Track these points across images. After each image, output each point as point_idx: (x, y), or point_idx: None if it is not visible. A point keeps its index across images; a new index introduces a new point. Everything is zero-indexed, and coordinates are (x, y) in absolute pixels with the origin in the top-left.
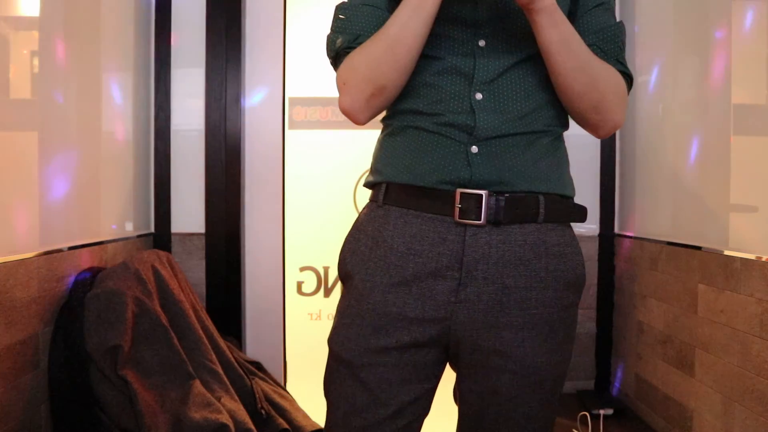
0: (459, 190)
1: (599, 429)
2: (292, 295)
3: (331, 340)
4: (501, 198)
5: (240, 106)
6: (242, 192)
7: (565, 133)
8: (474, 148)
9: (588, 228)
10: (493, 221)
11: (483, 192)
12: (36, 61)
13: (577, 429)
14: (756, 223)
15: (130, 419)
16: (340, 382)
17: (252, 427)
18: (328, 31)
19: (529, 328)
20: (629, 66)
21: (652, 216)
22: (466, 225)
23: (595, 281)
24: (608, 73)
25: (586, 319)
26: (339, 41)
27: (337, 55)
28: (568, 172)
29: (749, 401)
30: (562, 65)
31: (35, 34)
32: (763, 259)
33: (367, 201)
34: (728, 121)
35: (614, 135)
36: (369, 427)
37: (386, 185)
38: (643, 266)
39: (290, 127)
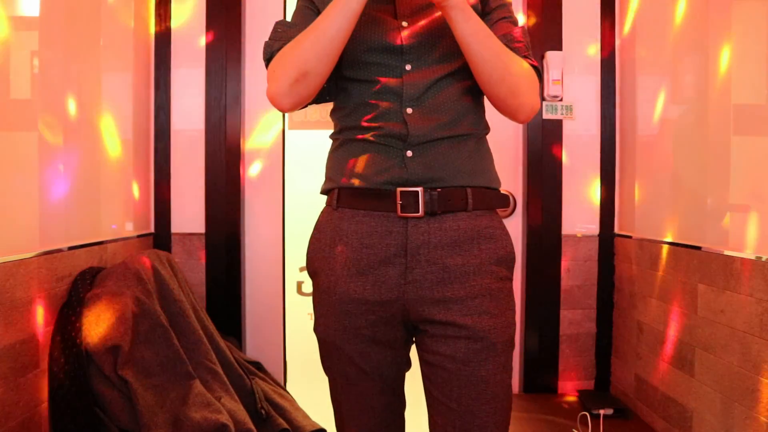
0: (399, 189)
1: (599, 429)
2: (292, 295)
3: (316, 329)
4: (434, 192)
5: (240, 106)
6: (242, 192)
7: (566, 133)
8: (409, 153)
9: (588, 228)
10: (430, 212)
11: (419, 189)
12: (36, 61)
13: (577, 429)
14: (756, 223)
15: (130, 419)
16: (332, 360)
17: (252, 426)
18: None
19: (472, 298)
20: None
21: (652, 216)
22: (407, 218)
23: (595, 281)
24: (519, 62)
25: (586, 319)
26: (276, 45)
27: (271, 56)
28: (492, 167)
29: (749, 401)
30: (478, 54)
31: (35, 34)
32: (763, 259)
33: (324, 206)
34: (728, 121)
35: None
36: (364, 391)
37: (338, 190)
38: (643, 266)
39: (290, 127)
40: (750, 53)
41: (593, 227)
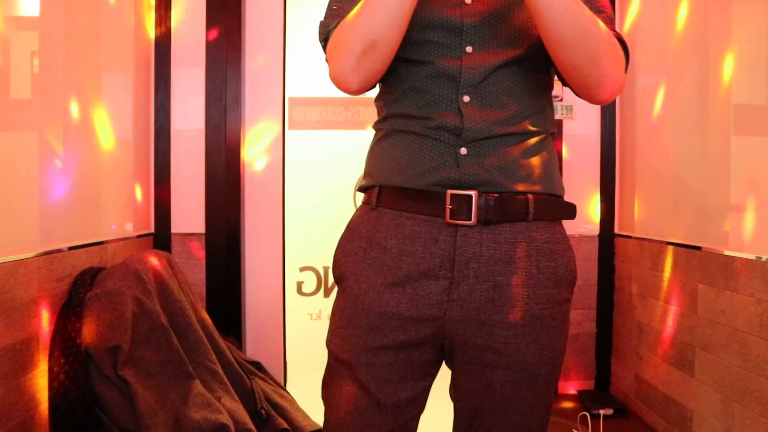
0: (449, 192)
1: (599, 429)
2: (292, 295)
3: (329, 342)
4: (491, 198)
5: (240, 106)
6: (242, 192)
7: (566, 133)
8: (463, 150)
9: (588, 228)
10: (484, 221)
11: (472, 192)
12: (36, 61)
13: (577, 429)
14: (756, 223)
15: (130, 419)
16: (339, 383)
17: (252, 427)
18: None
19: (522, 325)
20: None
21: (652, 216)
22: (457, 225)
23: (595, 281)
24: (601, 25)
25: (586, 319)
26: (333, 22)
27: (328, 35)
28: (557, 172)
29: (749, 401)
30: (550, 8)
31: (35, 34)
32: (763, 259)
33: (361, 203)
34: (728, 121)
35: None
36: (369, 426)
37: (379, 188)
38: (643, 266)
39: (290, 127)
40: (750, 53)
41: (593, 227)
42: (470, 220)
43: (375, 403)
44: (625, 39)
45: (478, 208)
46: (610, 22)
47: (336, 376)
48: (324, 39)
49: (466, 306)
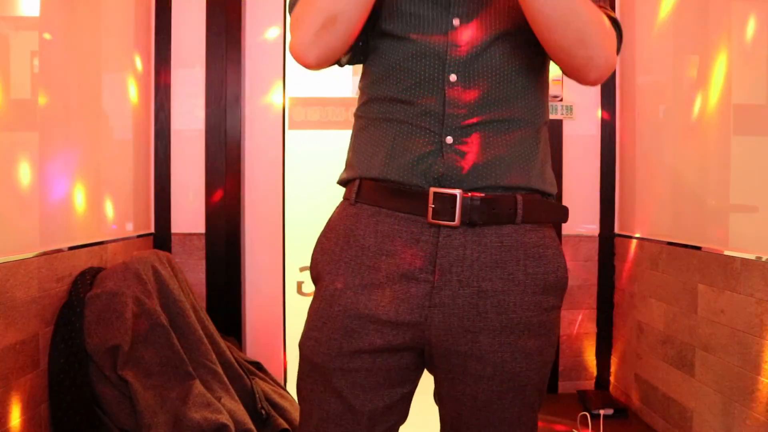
0: (432, 189)
1: (599, 429)
2: (292, 295)
3: (302, 344)
4: (476, 198)
5: (240, 106)
6: (242, 192)
7: (566, 133)
8: (449, 139)
9: (588, 228)
10: (468, 222)
11: (457, 192)
12: (36, 61)
13: (577, 429)
14: (756, 223)
15: (130, 419)
16: (312, 388)
17: (252, 427)
18: None
19: (507, 333)
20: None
21: (652, 216)
22: (439, 226)
23: (595, 281)
24: (591, 6)
25: (586, 319)
26: None
27: (295, 4)
28: (549, 168)
29: (749, 401)
30: None
31: (35, 34)
32: (763, 259)
33: (342, 199)
34: (728, 121)
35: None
36: None
37: (359, 182)
38: (643, 266)
39: (290, 127)
40: (750, 53)
41: (593, 227)
42: (454, 221)
43: (349, 411)
44: (621, 20)
45: (463, 208)
46: (603, 0)
47: (309, 380)
48: (290, 8)
49: (448, 312)
